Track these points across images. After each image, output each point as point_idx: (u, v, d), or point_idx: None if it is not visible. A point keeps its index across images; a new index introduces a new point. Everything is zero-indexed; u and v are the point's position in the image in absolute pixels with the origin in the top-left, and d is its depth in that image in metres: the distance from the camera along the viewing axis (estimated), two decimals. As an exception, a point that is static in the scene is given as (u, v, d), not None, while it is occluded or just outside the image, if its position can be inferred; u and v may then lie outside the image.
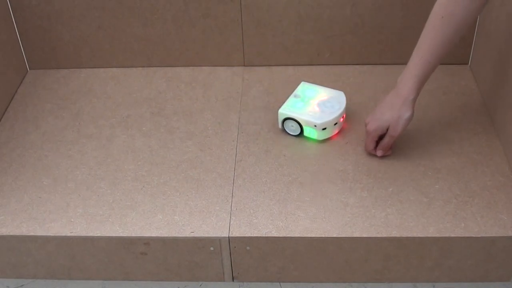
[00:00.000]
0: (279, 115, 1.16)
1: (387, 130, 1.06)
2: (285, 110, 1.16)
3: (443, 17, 0.99)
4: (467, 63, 1.35)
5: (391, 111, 1.05)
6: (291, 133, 1.17)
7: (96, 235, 1.00)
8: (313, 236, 0.97)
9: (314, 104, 1.17)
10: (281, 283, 1.04)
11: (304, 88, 1.21)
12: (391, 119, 1.05)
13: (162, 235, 0.99)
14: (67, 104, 1.29)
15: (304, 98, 1.19)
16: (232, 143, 1.16)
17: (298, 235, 0.98)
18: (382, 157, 1.10)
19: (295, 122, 1.14)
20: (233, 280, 1.05)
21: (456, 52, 1.33)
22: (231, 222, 1.00)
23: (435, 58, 1.02)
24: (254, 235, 0.98)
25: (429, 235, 0.97)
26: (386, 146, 1.09)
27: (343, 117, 1.17)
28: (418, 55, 1.03)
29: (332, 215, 1.01)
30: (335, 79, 1.31)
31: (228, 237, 0.99)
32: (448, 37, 1.00)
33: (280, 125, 1.17)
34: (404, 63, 1.34)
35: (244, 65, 1.37)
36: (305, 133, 1.16)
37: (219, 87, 1.31)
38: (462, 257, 0.99)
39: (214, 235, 0.99)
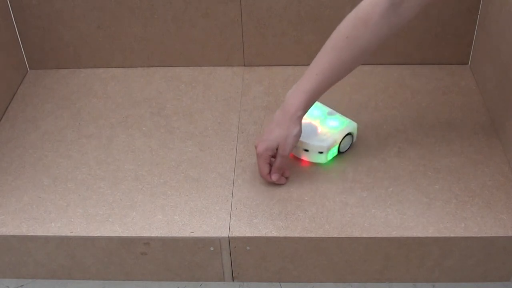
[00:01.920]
0: None
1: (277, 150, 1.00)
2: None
3: (347, 38, 0.94)
4: (467, 63, 1.35)
5: (279, 129, 0.99)
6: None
7: (96, 235, 1.00)
8: (313, 236, 0.97)
9: (326, 124, 1.10)
10: (281, 283, 1.04)
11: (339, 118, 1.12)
12: (279, 137, 0.99)
13: (162, 235, 0.99)
14: (67, 104, 1.29)
15: (335, 117, 1.11)
16: (232, 143, 1.16)
17: (298, 235, 0.98)
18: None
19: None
20: (233, 280, 1.05)
21: (456, 52, 1.33)
22: (231, 222, 1.00)
23: (332, 78, 0.97)
24: (254, 235, 0.98)
25: (429, 235, 0.97)
26: (280, 168, 1.02)
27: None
28: (314, 72, 0.97)
29: (332, 215, 1.01)
30: (335, 79, 1.31)
31: (228, 237, 0.99)
32: (350, 59, 0.96)
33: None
34: (404, 63, 1.35)
35: (244, 65, 1.37)
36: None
37: (219, 87, 1.31)
38: (462, 257, 0.99)
39: (214, 235, 0.99)
